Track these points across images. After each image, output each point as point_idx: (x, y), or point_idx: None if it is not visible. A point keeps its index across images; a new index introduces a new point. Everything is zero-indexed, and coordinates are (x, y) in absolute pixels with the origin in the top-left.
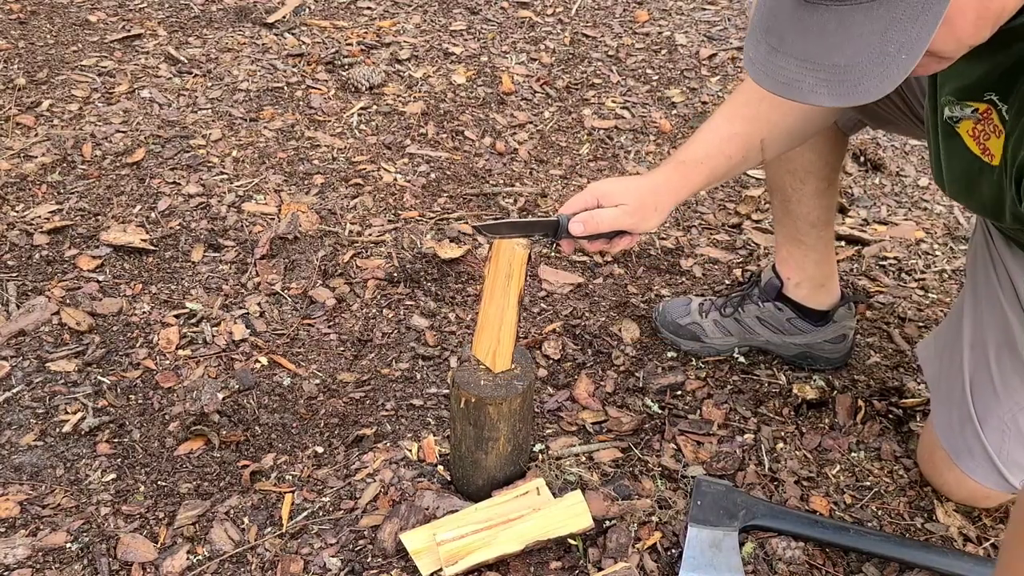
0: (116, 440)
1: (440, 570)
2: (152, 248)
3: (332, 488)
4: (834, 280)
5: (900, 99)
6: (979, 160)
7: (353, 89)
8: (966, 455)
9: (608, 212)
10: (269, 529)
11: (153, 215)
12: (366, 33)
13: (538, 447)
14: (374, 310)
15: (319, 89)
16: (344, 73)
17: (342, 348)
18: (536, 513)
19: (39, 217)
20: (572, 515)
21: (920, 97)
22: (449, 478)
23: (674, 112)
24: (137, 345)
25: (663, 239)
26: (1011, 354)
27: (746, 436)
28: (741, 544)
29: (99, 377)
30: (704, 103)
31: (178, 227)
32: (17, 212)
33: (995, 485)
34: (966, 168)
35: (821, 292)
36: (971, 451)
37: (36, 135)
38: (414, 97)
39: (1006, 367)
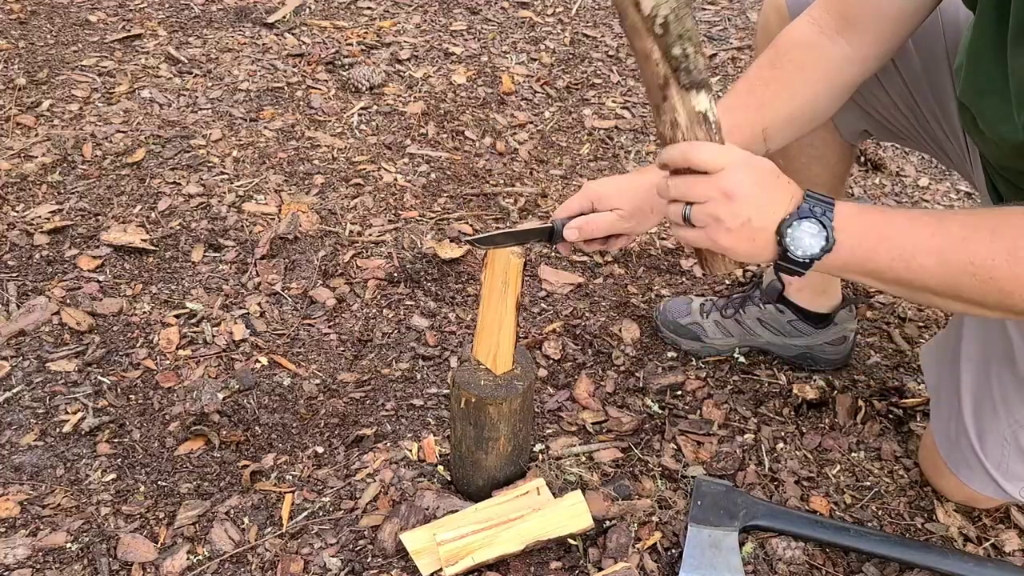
0: (116, 440)
1: (440, 570)
2: (152, 248)
3: (332, 488)
4: (835, 284)
5: (911, 112)
6: None
7: (353, 89)
8: (963, 466)
9: (603, 217)
10: (269, 529)
11: (153, 215)
12: (366, 33)
13: (538, 447)
14: (374, 310)
15: (319, 89)
16: (344, 73)
17: (342, 348)
18: (536, 513)
19: (39, 217)
20: (572, 515)
21: (936, 111)
22: (449, 478)
23: None
24: (137, 345)
25: (663, 239)
26: (1011, 371)
27: (746, 436)
28: (741, 544)
29: (99, 377)
30: None
31: (178, 227)
32: (17, 212)
33: (993, 493)
34: None
35: (822, 296)
36: (968, 463)
37: (36, 135)
38: (414, 97)
39: (1006, 384)
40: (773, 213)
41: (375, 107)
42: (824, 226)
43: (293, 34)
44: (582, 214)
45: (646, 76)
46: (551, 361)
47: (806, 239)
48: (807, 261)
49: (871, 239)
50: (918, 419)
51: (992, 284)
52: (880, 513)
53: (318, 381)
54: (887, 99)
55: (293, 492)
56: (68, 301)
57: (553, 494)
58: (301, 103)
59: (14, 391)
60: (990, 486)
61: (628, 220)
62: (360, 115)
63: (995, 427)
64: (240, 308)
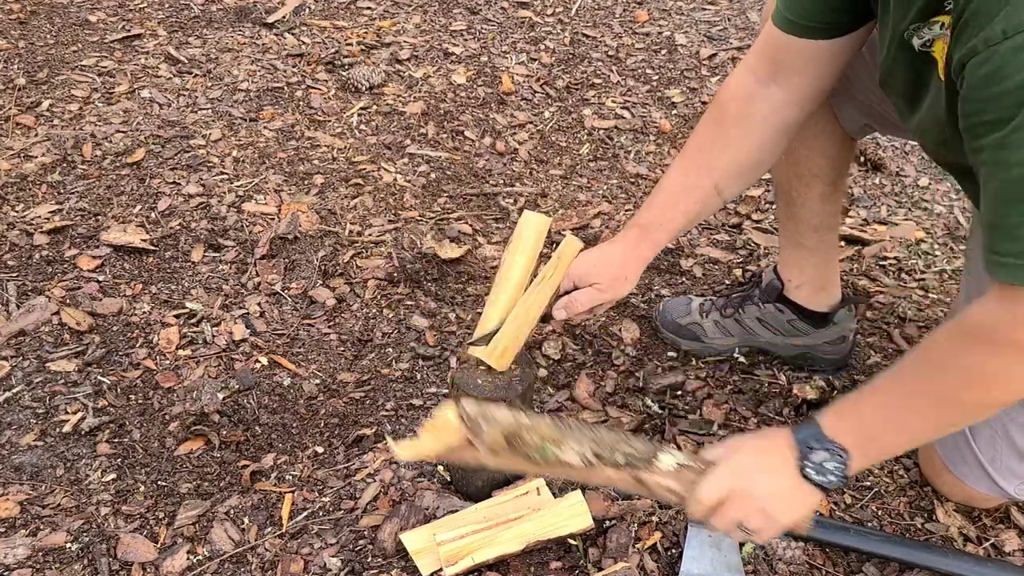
0: (116, 440)
1: (440, 570)
2: (152, 248)
3: (332, 488)
4: (835, 283)
5: None
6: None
7: (353, 89)
8: (960, 463)
9: (584, 294)
10: (269, 529)
11: (153, 215)
12: (366, 33)
13: None
14: (374, 310)
15: (319, 89)
16: (344, 73)
17: (342, 348)
18: (536, 513)
19: (39, 217)
20: (572, 515)
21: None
22: (449, 478)
23: (674, 112)
24: (137, 345)
25: None
26: None
27: None
28: (741, 544)
29: (99, 377)
30: (704, 103)
31: (178, 227)
32: (17, 212)
33: (989, 490)
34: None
35: (821, 294)
36: (965, 459)
37: (36, 135)
38: (414, 97)
39: None
40: (787, 472)
41: (375, 107)
42: (828, 449)
43: (293, 34)
44: (565, 293)
45: (631, 490)
46: (551, 361)
47: (827, 465)
48: (843, 478)
49: (862, 429)
50: None
51: (964, 398)
52: (880, 513)
53: (318, 381)
54: (876, 87)
55: (293, 492)
56: (68, 301)
57: (553, 494)
58: (301, 103)
59: (14, 391)
60: (985, 482)
61: (606, 292)
62: (360, 115)
63: (988, 421)
64: (240, 308)
